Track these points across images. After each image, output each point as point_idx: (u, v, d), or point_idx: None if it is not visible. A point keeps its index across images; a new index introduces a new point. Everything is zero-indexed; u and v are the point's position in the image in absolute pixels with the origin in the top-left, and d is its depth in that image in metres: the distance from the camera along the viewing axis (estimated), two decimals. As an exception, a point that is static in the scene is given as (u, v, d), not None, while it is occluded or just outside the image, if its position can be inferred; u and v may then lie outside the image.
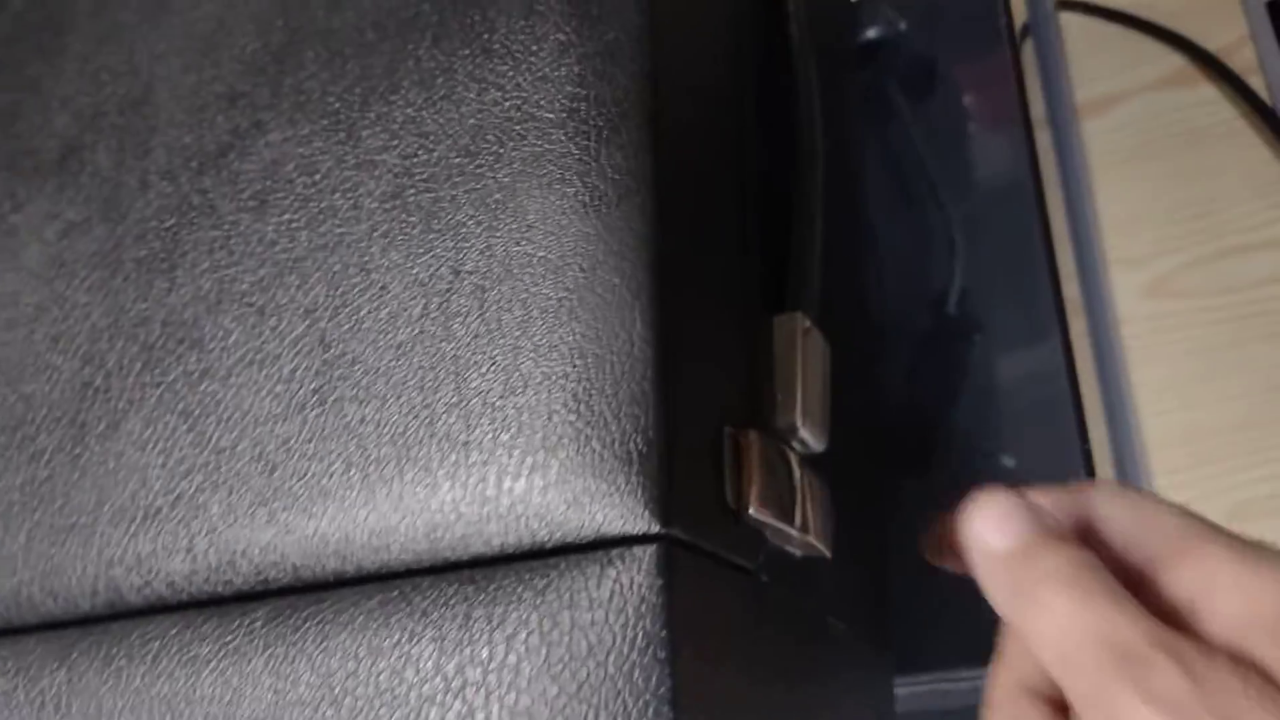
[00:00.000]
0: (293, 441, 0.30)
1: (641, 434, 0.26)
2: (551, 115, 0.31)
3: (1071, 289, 0.55)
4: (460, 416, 0.28)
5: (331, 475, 0.29)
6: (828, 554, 0.32)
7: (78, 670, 0.31)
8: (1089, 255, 0.56)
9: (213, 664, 0.29)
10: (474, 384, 0.28)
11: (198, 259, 0.35)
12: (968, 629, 0.40)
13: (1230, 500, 0.55)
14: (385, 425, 0.29)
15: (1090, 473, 0.41)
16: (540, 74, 0.31)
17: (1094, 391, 0.50)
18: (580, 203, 0.29)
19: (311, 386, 0.31)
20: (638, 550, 0.26)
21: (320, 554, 0.29)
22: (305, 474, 0.30)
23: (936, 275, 0.50)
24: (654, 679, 0.24)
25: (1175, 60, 0.67)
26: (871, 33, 0.57)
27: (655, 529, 0.26)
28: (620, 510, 0.26)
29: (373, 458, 0.29)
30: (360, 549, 0.29)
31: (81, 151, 0.40)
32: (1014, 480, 0.42)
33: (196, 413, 0.32)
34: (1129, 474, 0.50)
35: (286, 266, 0.33)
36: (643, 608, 0.25)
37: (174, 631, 0.31)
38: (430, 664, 0.26)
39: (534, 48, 0.32)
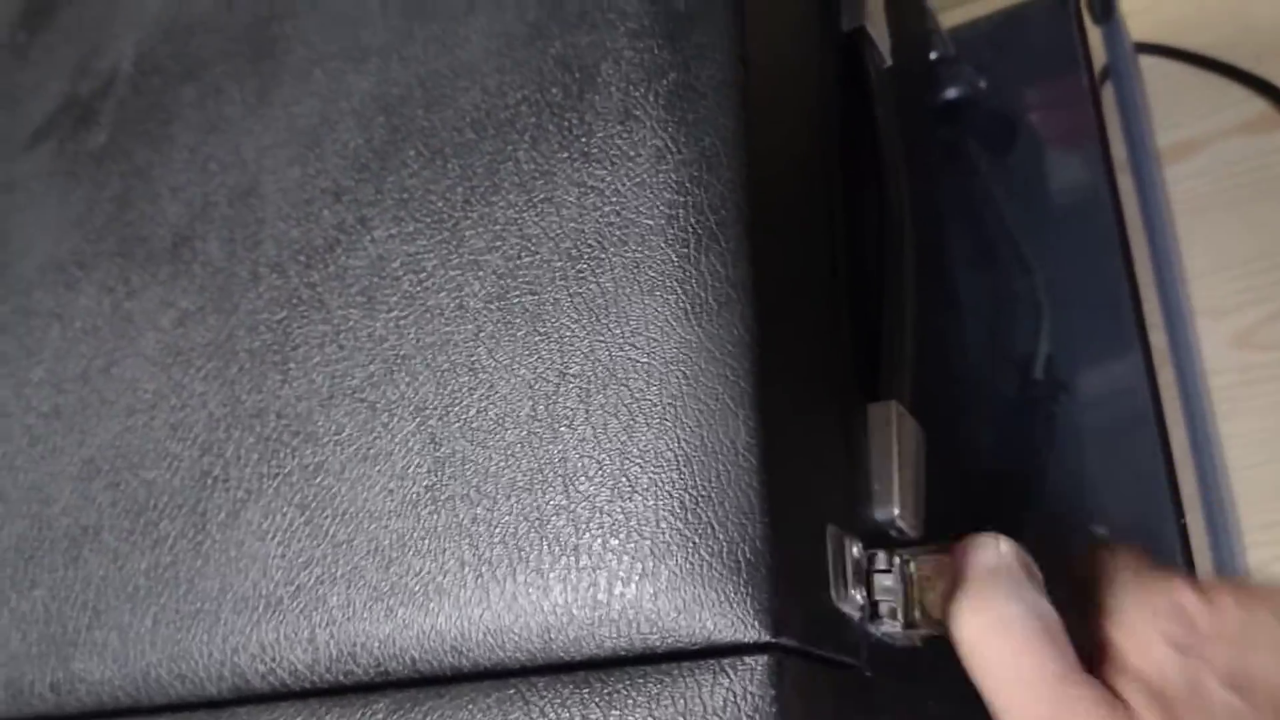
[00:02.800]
0: (407, 538, 0.32)
1: (749, 542, 0.27)
2: (651, 222, 0.32)
3: (1158, 339, 0.55)
4: (569, 520, 0.29)
5: (446, 573, 0.30)
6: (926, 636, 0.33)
7: (206, 756, 0.33)
8: (1175, 304, 0.56)
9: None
10: (582, 487, 0.29)
11: (309, 353, 0.36)
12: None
13: (1324, 557, 0.54)
14: (497, 526, 0.30)
15: (1185, 545, 0.41)
16: (639, 179, 0.33)
17: (1184, 445, 0.49)
18: (682, 310, 0.30)
19: (424, 484, 0.32)
20: (749, 659, 0.26)
21: (438, 649, 0.30)
22: (420, 571, 0.31)
23: (1023, 338, 0.50)
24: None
25: (1258, 105, 0.66)
26: (951, 92, 0.57)
27: (766, 638, 0.27)
28: (731, 619, 0.27)
29: (485, 558, 0.30)
30: (476, 646, 0.30)
31: (193, 241, 0.42)
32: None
33: (313, 505, 0.34)
34: (1219, 530, 0.50)
35: (395, 364, 0.34)
36: (756, 717, 0.26)
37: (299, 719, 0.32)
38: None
39: (631, 153, 0.33)
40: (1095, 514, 0.44)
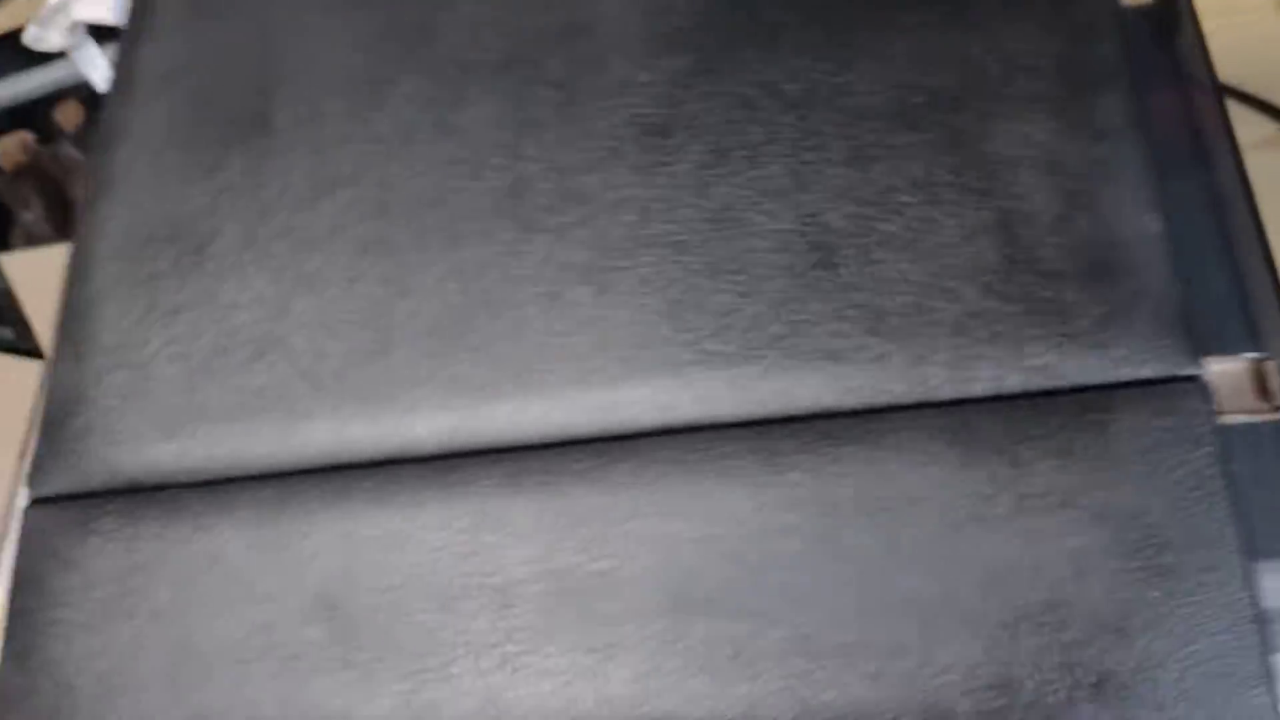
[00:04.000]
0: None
1: (1176, 304, 0.34)
2: (1046, 65, 0.38)
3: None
4: (1002, 299, 0.35)
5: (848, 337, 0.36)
6: None
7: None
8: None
9: (749, 474, 0.35)
10: (1020, 281, 0.35)
11: (737, 167, 0.41)
12: None
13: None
14: (910, 307, 0.36)
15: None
16: (1032, 37, 0.39)
17: None
18: (1087, 132, 0.37)
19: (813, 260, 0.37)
20: (1185, 386, 0.33)
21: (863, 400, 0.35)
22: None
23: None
24: (1212, 480, 0.31)
25: (1268, 127, 0.78)
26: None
27: (1196, 372, 0.33)
28: (1169, 358, 0.33)
29: (892, 329, 0.35)
30: (901, 397, 0.35)
31: (518, 66, 0.45)
32: None
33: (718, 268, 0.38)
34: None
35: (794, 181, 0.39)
36: (1199, 427, 0.32)
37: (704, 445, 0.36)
38: (993, 475, 0.33)
39: (1018, 26, 0.40)
40: None
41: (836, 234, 0.38)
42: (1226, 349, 0.41)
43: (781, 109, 0.41)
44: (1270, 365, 0.39)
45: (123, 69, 0.53)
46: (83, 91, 1.07)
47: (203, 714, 0.38)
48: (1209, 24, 0.64)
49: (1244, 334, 0.47)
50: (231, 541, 0.40)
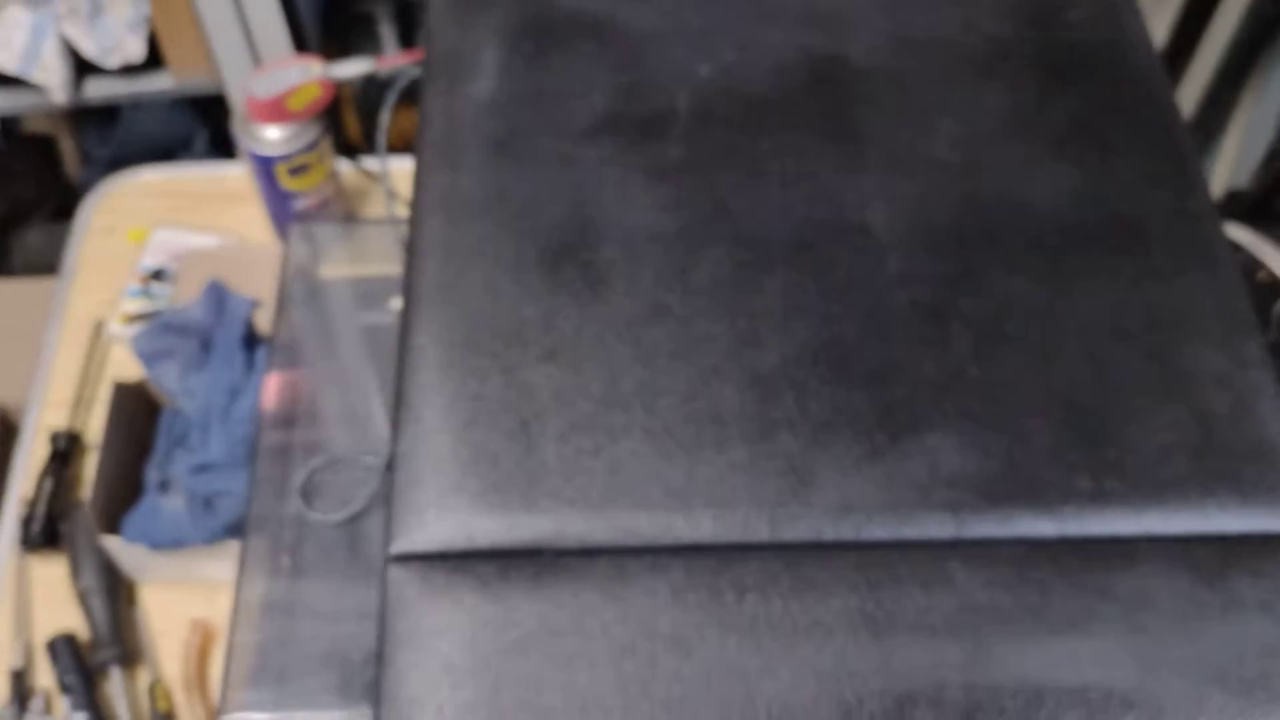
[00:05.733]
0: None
1: (1312, 484, 0.53)
2: (1210, 310, 0.57)
3: None
4: (1210, 460, 0.53)
5: (1133, 480, 0.53)
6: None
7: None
8: None
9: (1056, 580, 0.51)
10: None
11: (1002, 351, 0.57)
12: None
13: None
14: (1147, 466, 0.53)
15: None
16: (1197, 292, 0.58)
17: None
18: (1240, 363, 0.56)
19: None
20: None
21: (1122, 530, 0.52)
22: (1113, 477, 0.53)
23: None
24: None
25: None
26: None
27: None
28: (1316, 519, 0.52)
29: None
30: (1145, 530, 0.52)
31: (813, 249, 0.60)
32: None
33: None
34: None
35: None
36: (1338, 566, 0.51)
37: None
38: (1211, 585, 0.50)
39: (1187, 279, 0.59)
40: None
41: (1086, 410, 0.54)
42: None
43: (1026, 313, 0.57)
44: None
45: (426, 191, 0.63)
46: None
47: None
48: None
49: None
50: (600, 609, 0.51)
